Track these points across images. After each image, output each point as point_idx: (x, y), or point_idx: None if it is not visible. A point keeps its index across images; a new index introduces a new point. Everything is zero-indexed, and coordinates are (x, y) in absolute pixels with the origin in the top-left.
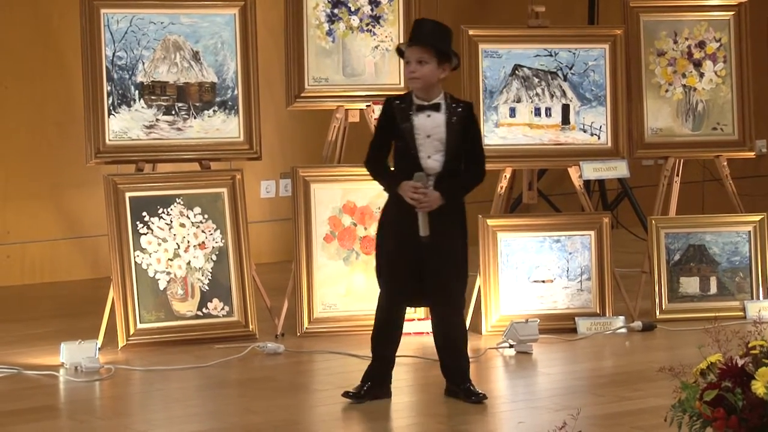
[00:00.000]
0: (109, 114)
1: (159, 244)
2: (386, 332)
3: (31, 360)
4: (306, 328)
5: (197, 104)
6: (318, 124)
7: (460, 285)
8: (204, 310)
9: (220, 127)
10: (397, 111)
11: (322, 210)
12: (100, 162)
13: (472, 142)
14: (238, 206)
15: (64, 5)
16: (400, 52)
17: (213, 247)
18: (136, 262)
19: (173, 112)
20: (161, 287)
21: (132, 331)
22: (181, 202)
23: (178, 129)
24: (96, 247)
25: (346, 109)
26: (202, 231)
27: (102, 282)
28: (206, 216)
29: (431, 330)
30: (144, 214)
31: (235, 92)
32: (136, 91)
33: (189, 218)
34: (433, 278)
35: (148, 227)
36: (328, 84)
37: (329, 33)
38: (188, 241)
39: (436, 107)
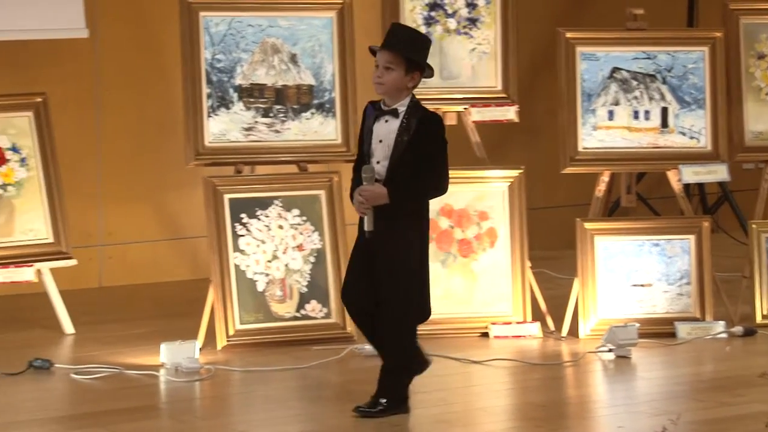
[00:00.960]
0: (208, 116)
1: (257, 246)
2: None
3: (132, 360)
4: None
5: (295, 106)
6: None
7: (408, 294)
8: (302, 311)
9: (318, 129)
10: (368, 115)
11: None
12: (200, 164)
13: (423, 154)
14: (336, 208)
15: (166, 9)
16: (372, 52)
17: (311, 249)
18: (234, 264)
19: (271, 115)
20: (260, 289)
21: (231, 332)
22: (280, 204)
23: (276, 131)
24: (195, 249)
25: (444, 112)
26: (300, 233)
27: (201, 283)
28: (304, 218)
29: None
30: (242, 215)
31: (333, 95)
32: (235, 94)
33: (287, 220)
34: (380, 285)
35: (247, 229)
36: (426, 87)
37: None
38: (286, 243)
39: (394, 113)
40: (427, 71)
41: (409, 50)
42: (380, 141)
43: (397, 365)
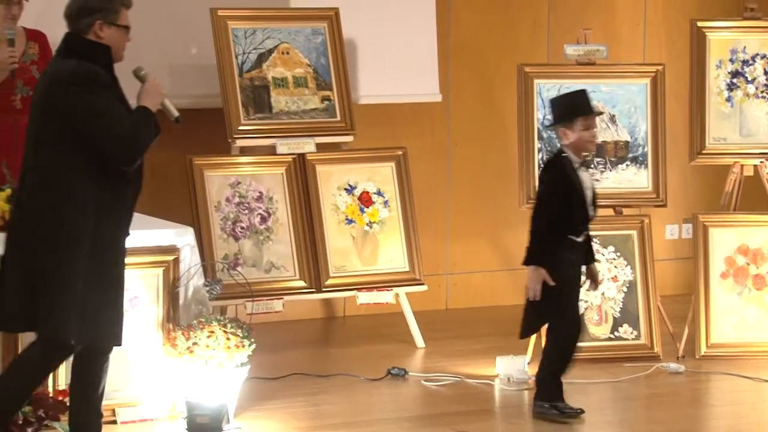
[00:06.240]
0: (539, 167)
1: None
2: None
3: (471, 370)
4: (704, 351)
5: (612, 159)
6: (716, 176)
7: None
8: (615, 333)
9: (632, 178)
10: (570, 171)
11: (719, 251)
12: (531, 207)
13: None
14: (646, 246)
15: (506, 77)
16: (574, 113)
17: (624, 281)
18: None
19: (592, 166)
20: (580, 313)
21: None
22: (598, 241)
23: (596, 180)
24: (525, 278)
25: (742, 165)
26: (615, 266)
27: None
28: (618, 254)
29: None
30: None
31: (645, 149)
32: None
33: (604, 255)
34: None
35: None
36: (727, 143)
37: (728, 99)
38: (603, 275)
39: (586, 164)
40: None
41: None
42: (587, 189)
43: None
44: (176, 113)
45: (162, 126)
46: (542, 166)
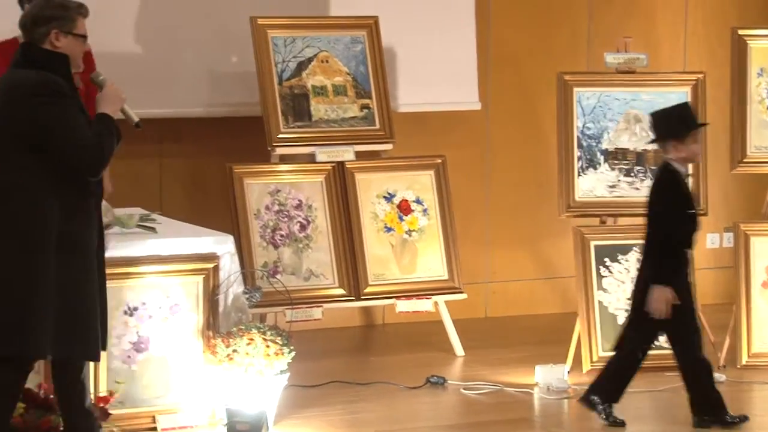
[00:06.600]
0: (579, 175)
1: (618, 286)
2: None
3: (511, 379)
4: (745, 361)
5: (653, 167)
6: (757, 185)
7: None
8: (656, 342)
9: None
10: (682, 184)
11: (761, 260)
12: (570, 215)
13: None
14: None
15: (545, 85)
16: (687, 127)
17: None
18: (598, 300)
19: (632, 174)
20: (619, 322)
21: (595, 358)
22: (638, 250)
23: (636, 188)
24: (565, 286)
25: None
26: None
27: (569, 316)
28: None
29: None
30: (606, 259)
31: None
32: (602, 156)
33: None
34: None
35: (609, 271)
36: None
37: None
38: None
39: (687, 175)
40: None
41: None
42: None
43: None
44: (136, 119)
45: (161, 133)
46: (653, 180)
